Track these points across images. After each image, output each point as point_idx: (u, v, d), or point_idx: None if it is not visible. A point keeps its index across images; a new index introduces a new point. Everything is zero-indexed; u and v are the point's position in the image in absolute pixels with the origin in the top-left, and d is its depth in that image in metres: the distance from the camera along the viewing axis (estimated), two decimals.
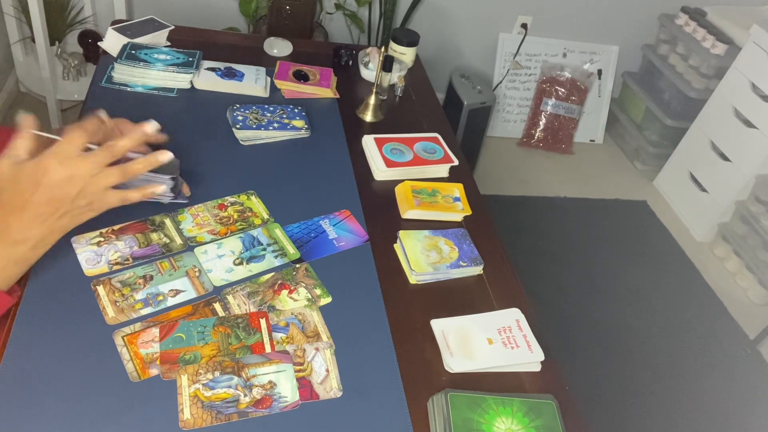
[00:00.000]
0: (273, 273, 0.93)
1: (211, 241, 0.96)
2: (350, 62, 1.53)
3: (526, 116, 2.98)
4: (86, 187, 0.72)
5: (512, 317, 0.95)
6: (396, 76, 1.47)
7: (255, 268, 0.94)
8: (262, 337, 0.84)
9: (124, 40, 1.31)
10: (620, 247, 2.50)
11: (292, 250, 0.98)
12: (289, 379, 0.79)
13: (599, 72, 3.00)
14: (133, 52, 1.28)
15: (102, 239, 0.92)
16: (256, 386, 0.78)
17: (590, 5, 2.84)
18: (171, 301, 0.86)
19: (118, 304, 0.83)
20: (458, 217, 1.13)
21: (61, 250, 0.87)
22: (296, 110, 1.28)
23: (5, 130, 1.02)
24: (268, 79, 1.36)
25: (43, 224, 0.73)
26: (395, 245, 1.04)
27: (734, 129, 2.47)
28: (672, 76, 2.77)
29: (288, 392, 0.78)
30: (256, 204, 1.05)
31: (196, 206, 1.01)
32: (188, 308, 0.86)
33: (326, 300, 0.91)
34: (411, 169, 1.19)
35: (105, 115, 0.78)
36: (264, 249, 0.97)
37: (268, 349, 0.82)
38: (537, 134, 2.95)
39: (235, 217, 1.01)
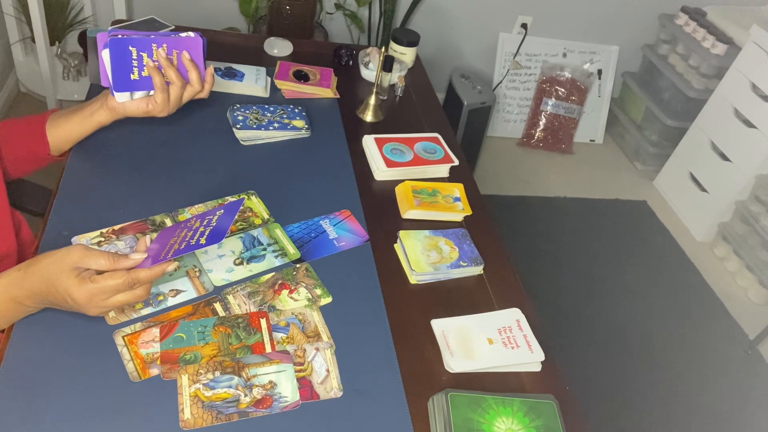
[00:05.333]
0: (273, 273, 0.93)
1: None
2: (350, 62, 1.53)
3: (526, 116, 2.98)
4: (102, 310, 0.77)
5: (512, 317, 0.95)
6: (396, 76, 1.47)
7: (255, 268, 0.94)
8: (263, 337, 0.84)
9: None
10: (620, 247, 2.50)
11: (292, 250, 0.98)
12: (290, 379, 0.79)
13: (599, 72, 3.00)
14: None
15: (102, 239, 0.92)
16: (257, 386, 0.78)
17: (590, 5, 2.84)
18: (171, 301, 0.86)
19: None
20: (458, 217, 1.13)
21: None
22: (296, 110, 1.28)
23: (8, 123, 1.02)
24: (269, 79, 1.36)
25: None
26: (395, 245, 1.04)
27: (734, 129, 2.47)
28: (672, 76, 2.77)
29: (288, 392, 0.78)
30: (256, 204, 1.05)
31: (196, 206, 1.01)
32: (189, 308, 0.86)
33: (326, 300, 0.91)
34: (411, 169, 1.19)
35: (149, 239, 0.80)
36: (264, 249, 0.97)
37: (268, 349, 0.82)
38: (537, 134, 2.95)
39: (236, 217, 1.01)
